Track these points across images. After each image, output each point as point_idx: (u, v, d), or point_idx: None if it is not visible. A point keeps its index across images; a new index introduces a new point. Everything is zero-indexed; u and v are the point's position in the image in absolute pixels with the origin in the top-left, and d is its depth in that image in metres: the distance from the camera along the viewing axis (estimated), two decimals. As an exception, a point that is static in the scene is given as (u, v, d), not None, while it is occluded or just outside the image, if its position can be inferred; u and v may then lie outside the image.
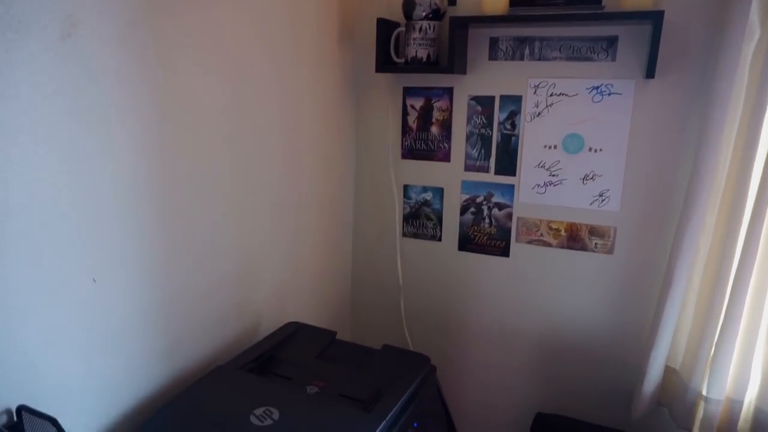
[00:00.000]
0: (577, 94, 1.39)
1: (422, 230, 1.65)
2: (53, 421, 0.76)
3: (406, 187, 1.64)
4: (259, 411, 0.96)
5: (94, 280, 0.89)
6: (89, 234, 0.87)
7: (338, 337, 1.28)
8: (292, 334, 1.28)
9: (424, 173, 1.61)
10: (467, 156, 1.54)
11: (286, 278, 1.43)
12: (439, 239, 1.63)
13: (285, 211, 1.39)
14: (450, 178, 1.58)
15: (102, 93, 0.87)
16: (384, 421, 0.95)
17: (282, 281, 1.42)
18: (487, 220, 1.55)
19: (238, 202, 1.22)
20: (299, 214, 1.45)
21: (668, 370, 1.40)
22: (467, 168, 1.55)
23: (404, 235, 1.68)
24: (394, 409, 0.99)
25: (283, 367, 1.15)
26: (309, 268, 1.54)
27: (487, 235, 1.56)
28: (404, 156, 1.62)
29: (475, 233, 1.58)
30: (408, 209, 1.65)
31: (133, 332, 0.98)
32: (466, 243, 1.60)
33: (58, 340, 0.85)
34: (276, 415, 0.95)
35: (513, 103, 1.46)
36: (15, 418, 0.79)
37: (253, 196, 1.27)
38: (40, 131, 0.78)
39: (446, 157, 1.57)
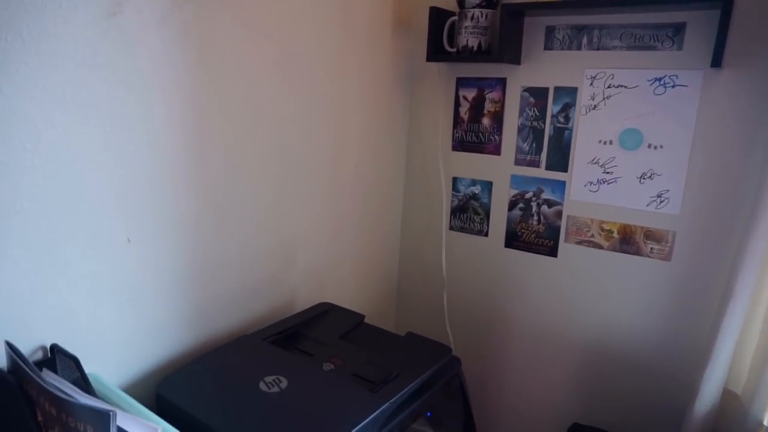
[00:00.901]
0: (637, 86, 1.30)
1: (469, 224, 1.61)
2: (75, 360, 0.84)
3: (455, 180, 1.62)
4: (269, 379, 0.99)
5: (129, 240, 0.97)
6: (126, 197, 0.95)
7: (382, 326, 1.29)
8: (323, 313, 1.31)
9: (474, 166, 1.58)
10: (518, 149, 1.49)
11: (325, 261, 1.47)
12: (486, 234, 1.59)
13: (328, 195, 1.42)
14: (499, 171, 1.53)
15: (143, 68, 0.94)
16: (387, 403, 0.95)
17: (321, 264, 1.46)
18: (535, 217, 1.49)
19: (280, 183, 1.27)
20: (343, 199, 1.48)
21: (727, 394, 1.26)
22: (517, 162, 1.49)
23: (451, 228, 1.65)
24: (400, 393, 0.98)
25: (306, 343, 1.19)
26: (352, 253, 1.56)
27: (535, 233, 1.50)
28: (455, 148, 1.60)
29: (523, 230, 1.52)
30: (456, 202, 1.63)
31: (164, 294, 1.05)
32: (513, 240, 1.54)
33: (94, 291, 0.94)
34: (284, 384, 0.98)
35: (567, 95, 1.39)
36: (49, 355, 0.88)
37: (296, 177, 1.31)
38: (84, 99, 0.87)
39: (496, 150, 1.52)
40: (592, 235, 1.41)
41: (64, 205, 0.87)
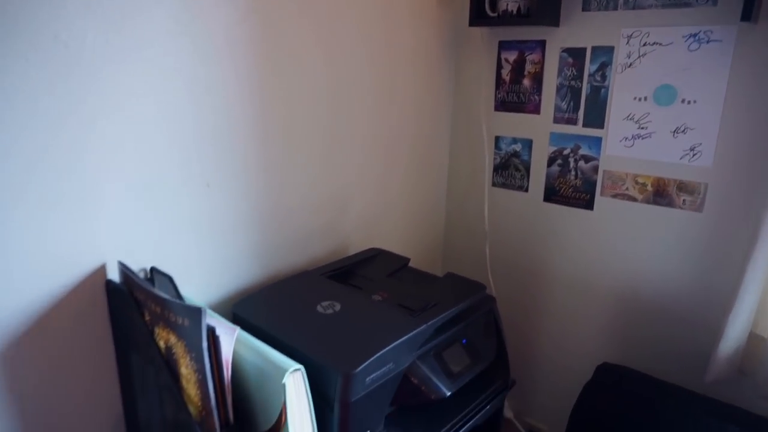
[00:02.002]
0: (672, 43, 1.35)
1: (510, 180, 1.72)
2: (170, 279, 1.04)
3: (497, 138, 1.72)
4: (325, 303, 1.17)
5: (208, 185, 1.16)
6: (205, 149, 1.13)
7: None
8: (372, 256, 1.47)
9: (515, 125, 1.67)
10: (556, 108, 1.57)
11: (375, 212, 1.62)
12: (526, 190, 1.69)
13: (376, 151, 1.57)
14: (539, 130, 1.62)
15: (216, 38, 1.11)
16: (425, 325, 1.09)
17: (371, 214, 1.61)
18: (573, 173, 1.58)
19: (333, 141, 1.42)
20: (390, 155, 1.62)
21: (754, 337, 1.33)
22: (556, 120, 1.58)
23: (493, 184, 1.76)
24: (437, 318, 1.12)
25: (357, 279, 1.35)
26: (399, 206, 1.71)
27: (572, 188, 1.58)
28: (497, 108, 1.70)
29: (561, 185, 1.61)
30: (498, 160, 1.73)
31: (237, 232, 1.24)
32: (552, 194, 1.63)
33: (181, 227, 1.13)
34: (338, 307, 1.16)
35: (604, 54, 1.45)
36: (149, 275, 1.08)
37: (348, 136, 1.46)
38: (167, 64, 1.04)
39: (536, 110, 1.61)
40: (627, 189, 1.49)
41: (158, 155, 1.06)
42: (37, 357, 0.96)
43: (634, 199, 1.48)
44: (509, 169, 1.71)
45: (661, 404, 1.28)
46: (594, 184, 1.54)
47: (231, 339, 0.92)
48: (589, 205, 1.56)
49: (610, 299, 1.58)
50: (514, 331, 1.80)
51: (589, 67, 1.49)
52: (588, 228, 1.58)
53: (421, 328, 1.09)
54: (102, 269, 1.02)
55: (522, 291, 1.77)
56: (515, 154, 1.69)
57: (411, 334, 1.06)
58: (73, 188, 0.95)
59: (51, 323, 0.96)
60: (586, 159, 1.54)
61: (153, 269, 1.08)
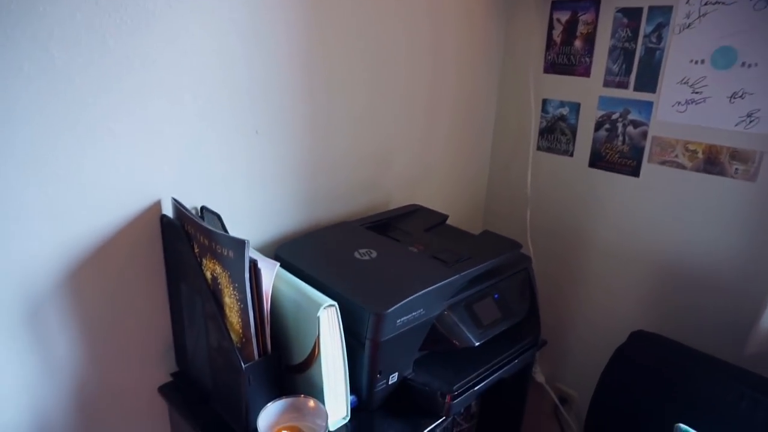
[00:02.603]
0: (735, 2, 1.28)
1: (555, 144, 1.70)
2: (218, 216, 1.11)
3: (544, 102, 1.70)
4: (362, 250, 1.21)
5: (257, 132, 1.21)
6: (256, 97, 1.18)
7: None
8: (412, 211, 1.51)
9: (563, 88, 1.64)
10: (607, 71, 1.53)
11: (416, 170, 1.65)
12: (571, 155, 1.67)
13: (419, 110, 1.58)
14: (588, 93, 1.59)
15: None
16: (457, 275, 1.12)
17: (413, 172, 1.64)
18: (620, 138, 1.54)
19: (378, 97, 1.45)
20: (434, 114, 1.63)
21: (801, 313, 1.29)
22: (606, 83, 1.54)
23: (538, 148, 1.75)
24: (469, 270, 1.15)
25: (395, 232, 1.39)
26: (442, 165, 1.72)
27: (619, 153, 1.55)
28: (546, 70, 1.67)
29: (607, 150, 1.58)
30: (544, 123, 1.71)
31: (283, 180, 1.30)
32: (597, 160, 1.61)
33: (231, 171, 1.20)
34: (374, 254, 1.20)
35: (662, 14, 1.40)
36: (200, 213, 1.16)
37: (391, 91, 1.47)
38: (223, 13, 1.09)
39: (586, 72, 1.58)
40: (676, 156, 1.45)
41: (212, 101, 1.12)
42: (97, 281, 1.05)
43: (683, 167, 1.44)
44: (555, 132, 1.69)
45: (695, 372, 1.27)
46: (641, 150, 1.51)
47: (271, 273, 0.98)
48: (635, 171, 1.53)
49: (651, 268, 1.55)
50: (550, 298, 1.81)
51: (644, 28, 1.44)
52: (633, 195, 1.55)
53: (454, 278, 1.12)
54: (158, 205, 1.10)
55: (561, 257, 1.76)
56: (562, 118, 1.66)
57: (442, 282, 1.10)
58: (138, 129, 1.02)
59: (111, 251, 1.05)
60: (635, 124, 1.50)
61: (203, 208, 1.15)
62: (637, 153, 1.52)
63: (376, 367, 1.05)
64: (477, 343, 1.14)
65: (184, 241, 1.03)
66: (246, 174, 1.23)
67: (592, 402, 1.39)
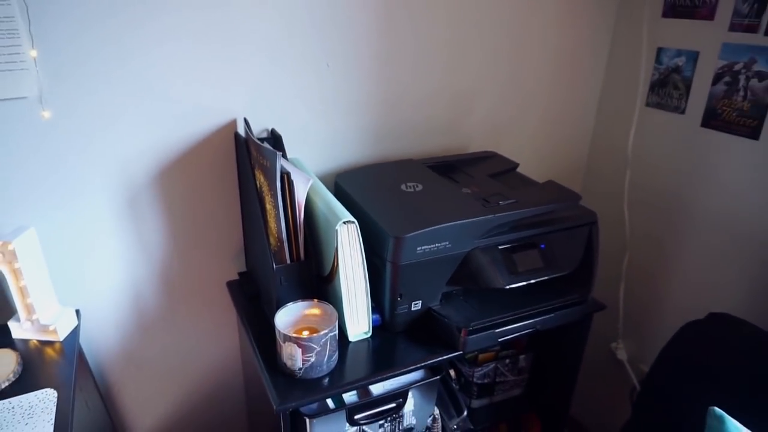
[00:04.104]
0: None
1: (666, 100, 1.51)
2: (280, 138, 1.23)
3: (659, 51, 1.51)
4: (410, 183, 1.25)
5: (328, 65, 1.30)
6: (327, 30, 1.26)
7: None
8: (485, 158, 1.48)
9: (682, 34, 1.44)
10: (735, 12, 1.30)
11: (503, 118, 1.60)
12: (682, 112, 1.47)
13: (507, 51, 1.52)
14: (709, 39, 1.37)
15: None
16: (491, 216, 1.11)
17: (499, 119, 1.59)
18: (741, 93, 1.32)
19: (461, 35, 1.43)
20: (529, 59, 1.55)
21: None
22: (732, 27, 1.32)
23: (647, 104, 1.57)
24: (505, 213, 1.12)
25: (457, 174, 1.39)
26: (536, 116, 1.65)
27: (738, 111, 1.33)
28: (665, 14, 1.47)
29: (724, 108, 1.36)
30: (657, 75, 1.52)
31: (350, 113, 1.37)
32: (711, 119, 1.40)
33: (301, 100, 1.31)
34: (420, 188, 1.23)
35: (808, -61, 1.15)
36: (270, 134, 1.30)
37: (476, 31, 1.45)
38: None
39: (710, 14, 1.36)
40: (807, 116, 1.20)
41: (286, 30, 1.23)
42: (181, 182, 1.26)
43: (814, 130, 1.20)
44: (667, 87, 1.50)
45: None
46: (765, 108, 1.27)
47: (305, 186, 1.08)
48: (754, 133, 1.31)
49: (758, 246, 1.33)
50: (642, 269, 1.65)
51: (784, -41, 1.20)
52: (749, 161, 1.33)
53: (485, 217, 1.11)
54: (233, 123, 1.26)
55: (660, 226, 1.59)
56: (677, 69, 1.47)
57: (471, 220, 1.09)
58: (219, 56, 1.18)
59: (193, 159, 1.25)
60: (761, 76, 1.27)
61: (272, 130, 1.29)
62: (759, 111, 1.29)
63: (396, 290, 1.11)
64: (506, 286, 1.13)
65: (245, 155, 1.18)
66: (315, 104, 1.33)
67: (646, 378, 1.26)
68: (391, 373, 1.08)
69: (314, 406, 1.12)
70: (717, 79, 1.37)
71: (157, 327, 1.37)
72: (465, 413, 1.33)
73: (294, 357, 1.01)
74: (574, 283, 1.25)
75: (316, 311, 1.09)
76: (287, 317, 1.08)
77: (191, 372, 1.48)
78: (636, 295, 1.69)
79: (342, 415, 1.11)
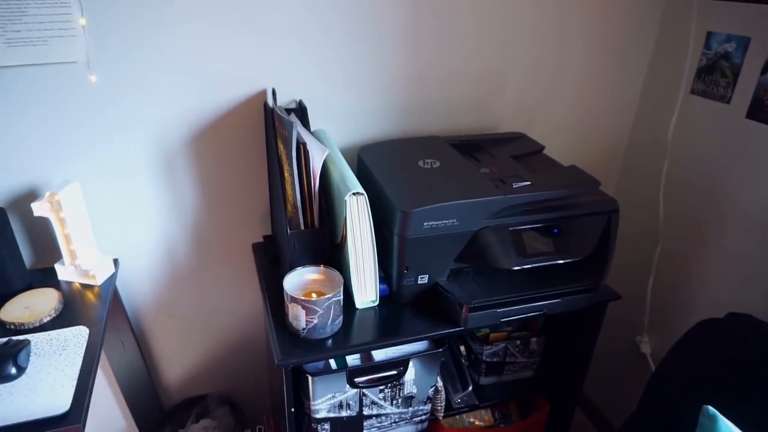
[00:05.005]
0: None
1: (712, 88, 1.43)
2: (305, 110, 1.28)
3: (708, 35, 1.42)
4: (428, 160, 1.27)
5: (357, 39, 1.33)
6: (358, 3, 1.29)
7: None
8: (512, 139, 1.47)
9: (734, 16, 1.35)
10: (791, -4, 1.22)
11: (537, 99, 1.57)
12: (728, 101, 1.39)
13: (543, 31, 1.48)
14: (762, 25, 1.29)
15: None
16: (501, 196, 1.11)
17: (532, 100, 1.57)
18: (791, 83, 1.24)
19: (491, 11, 1.41)
20: (566, 39, 1.51)
21: None
22: (786, 12, 1.23)
23: (692, 91, 1.49)
24: (518, 195, 1.12)
25: (480, 153, 1.39)
26: (572, 99, 1.60)
27: (786, 103, 1.25)
28: (718, -5, 1.39)
29: (772, 98, 1.28)
30: (704, 62, 1.44)
31: (377, 88, 1.40)
32: (757, 110, 1.32)
33: (329, 73, 1.34)
34: (437, 165, 1.25)
35: None
36: (298, 105, 1.35)
37: (510, 5, 1.42)
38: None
39: (765, -2, 1.27)
40: None
41: (312, 6, 1.26)
42: (213, 147, 1.34)
43: None
44: (714, 74, 1.42)
45: None
46: (815, 100, 1.19)
47: (320, 157, 1.13)
48: (801, 127, 1.23)
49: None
50: (673, 263, 1.60)
51: None
52: (793, 157, 1.25)
53: (495, 197, 1.12)
54: (263, 93, 1.32)
55: (695, 220, 1.52)
56: (725, 56, 1.38)
57: (481, 199, 1.11)
58: (251, 29, 1.23)
59: (224, 127, 1.32)
60: (814, 66, 1.19)
61: (300, 102, 1.34)
62: (808, 104, 1.21)
63: (403, 262, 1.14)
64: (514, 267, 1.14)
65: (271, 124, 1.24)
66: (342, 77, 1.36)
67: (654, 373, 1.24)
68: (391, 341, 1.12)
69: (320, 365, 1.18)
70: (767, 68, 1.29)
71: (188, 281, 1.48)
72: (470, 388, 1.36)
73: (298, 318, 1.07)
74: (587, 271, 1.23)
75: (323, 276, 1.15)
76: (296, 280, 1.14)
77: (218, 326, 1.59)
78: (665, 290, 1.64)
79: (343, 376, 1.17)
